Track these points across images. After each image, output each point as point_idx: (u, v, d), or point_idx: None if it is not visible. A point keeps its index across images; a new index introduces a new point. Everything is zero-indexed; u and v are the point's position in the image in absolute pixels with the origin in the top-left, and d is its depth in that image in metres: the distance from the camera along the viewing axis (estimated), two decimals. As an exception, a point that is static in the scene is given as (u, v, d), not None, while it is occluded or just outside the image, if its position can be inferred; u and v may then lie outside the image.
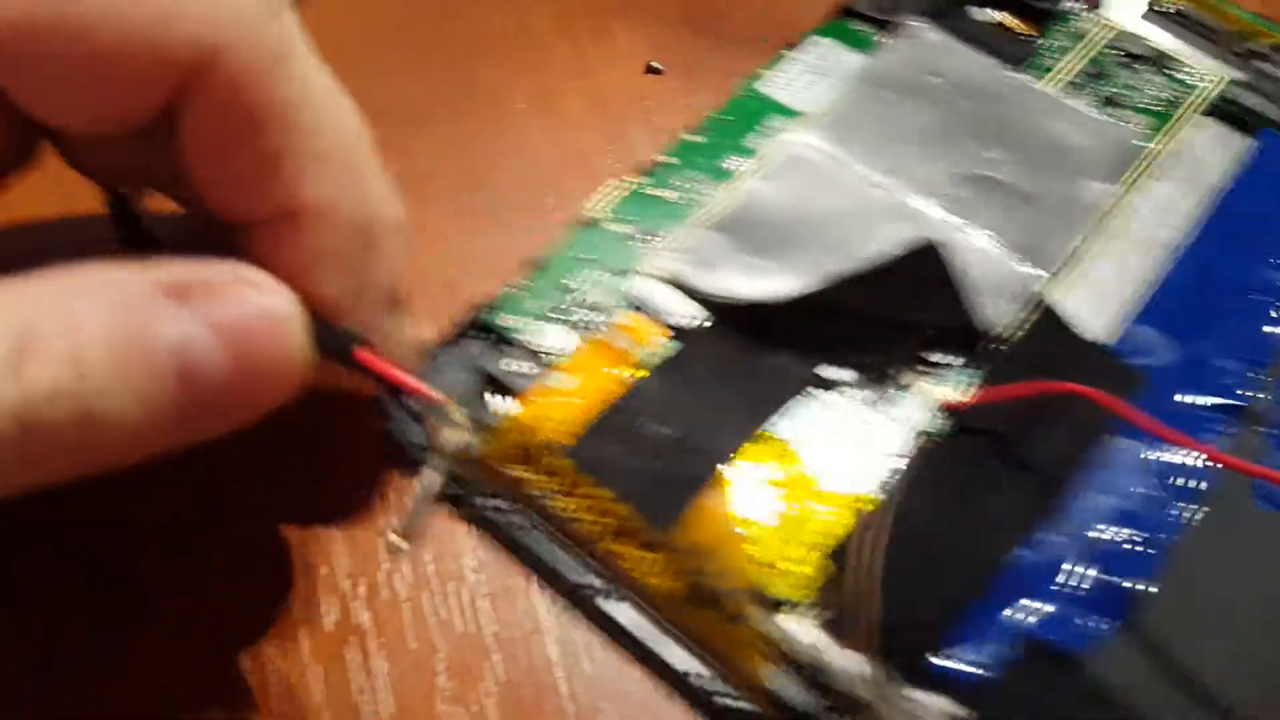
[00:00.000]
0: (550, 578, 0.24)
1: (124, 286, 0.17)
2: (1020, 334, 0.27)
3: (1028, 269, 0.28)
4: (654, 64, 0.34)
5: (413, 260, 0.25)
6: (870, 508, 0.24)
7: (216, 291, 0.18)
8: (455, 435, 0.18)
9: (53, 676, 0.22)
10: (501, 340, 0.27)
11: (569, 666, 0.23)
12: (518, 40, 0.35)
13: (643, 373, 0.26)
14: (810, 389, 0.26)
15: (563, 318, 0.27)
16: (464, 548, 0.25)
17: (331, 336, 0.19)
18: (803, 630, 0.23)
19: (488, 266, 0.29)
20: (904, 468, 0.25)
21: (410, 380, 0.19)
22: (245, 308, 0.18)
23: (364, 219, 0.21)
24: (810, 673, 0.22)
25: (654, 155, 0.31)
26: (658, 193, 0.30)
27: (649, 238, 0.29)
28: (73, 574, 0.24)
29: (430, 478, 0.18)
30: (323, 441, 0.26)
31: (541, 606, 0.24)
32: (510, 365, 0.26)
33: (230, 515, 0.25)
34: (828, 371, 0.26)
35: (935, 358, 0.27)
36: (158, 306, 0.17)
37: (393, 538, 0.18)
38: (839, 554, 0.23)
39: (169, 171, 0.20)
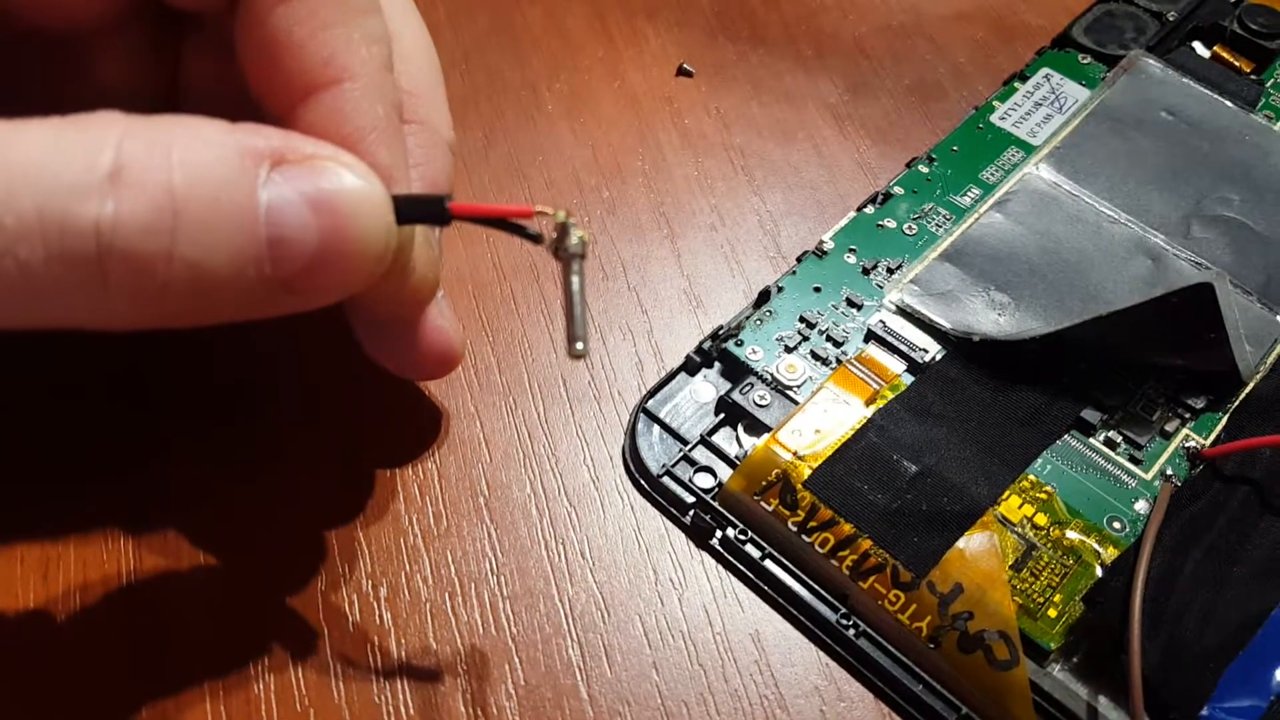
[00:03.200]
0: (786, 609, 0.24)
1: (220, 141, 0.17)
2: (1260, 377, 0.27)
3: (1266, 311, 0.28)
4: (685, 66, 0.34)
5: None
6: (1121, 552, 0.24)
7: (311, 163, 0.17)
8: (575, 236, 0.18)
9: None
10: (742, 370, 0.27)
11: (589, 670, 0.23)
12: (551, 41, 0.35)
13: (880, 404, 0.26)
14: (1069, 431, 0.26)
15: (802, 349, 0.27)
16: (484, 549, 0.25)
17: (419, 205, 0.19)
18: (1069, 680, 0.22)
19: (526, 268, 0.29)
20: (1154, 514, 0.24)
21: (513, 206, 0.19)
22: (338, 183, 0.17)
23: (404, 84, 0.21)
24: None
25: (887, 185, 0.31)
26: (889, 223, 0.30)
27: (885, 270, 0.29)
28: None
29: (573, 283, 0.18)
30: (347, 445, 0.26)
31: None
32: (751, 395, 0.26)
33: (250, 517, 0.25)
34: (1090, 415, 0.26)
35: (1192, 402, 0.26)
36: (256, 166, 0.17)
37: (578, 346, 0.18)
38: (1091, 598, 0.23)
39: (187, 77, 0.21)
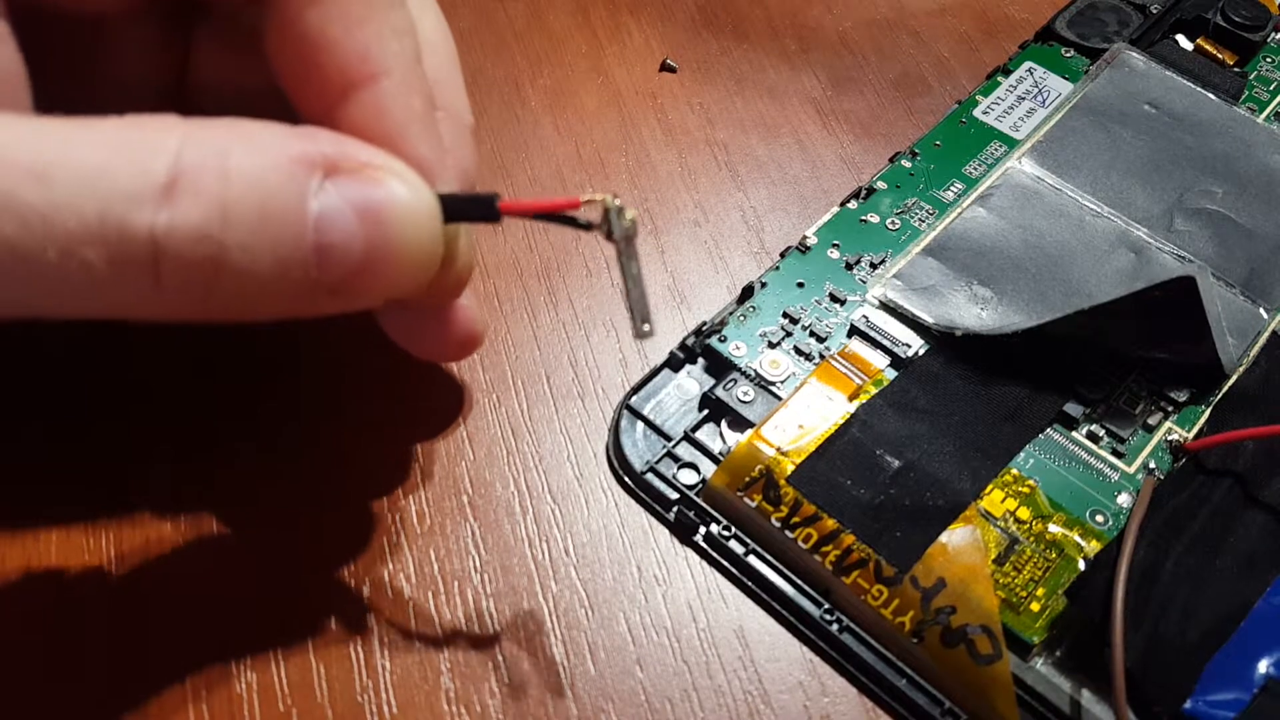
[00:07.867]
0: (769, 605, 0.24)
1: (277, 149, 0.17)
2: (1242, 370, 0.27)
3: (1248, 304, 0.28)
4: (668, 61, 0.34)
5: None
6: (1103, 546, 0.24)
7: (362, 172, 0.18)
8: (626, 218, 0.19)
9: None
10: (726, 366, 0.27)
11: (573, 667, 0.23)
12: (534, 36, 0.34)
13: (863, 399, 0.26)
14: (1052, 425, 0.26)
15: (786, 344, 0.27)
16: (468, 547, 0.25)
17: (468, 204, 0.19)
18: (1052, 674, 0.22)
19: (509, 265, 0.29)
20: (1137, 507, 0.24)
21: (561, 199, 0.19)
22: (387, 194, 0.18)
23: (434, 76, 0.21)
24: (1061, 718, 0.22)
25: (871, 180, 0.31)
26: (872, 218, 0.30)
27: (868, 265, 0.29)
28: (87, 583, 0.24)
29: (630, 266, 0.19)
30: (328, 443, 0.26)
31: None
32: (734, 391, 0.26)
33: (230, 515, 0.25)
34: (1073, 408, 0.26)
35: (1175, 395, 0.26)
36: (310, 175, 0.17)
37: (644, 326, 0.19)
38: (1074, 592, 0.23)
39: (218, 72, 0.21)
